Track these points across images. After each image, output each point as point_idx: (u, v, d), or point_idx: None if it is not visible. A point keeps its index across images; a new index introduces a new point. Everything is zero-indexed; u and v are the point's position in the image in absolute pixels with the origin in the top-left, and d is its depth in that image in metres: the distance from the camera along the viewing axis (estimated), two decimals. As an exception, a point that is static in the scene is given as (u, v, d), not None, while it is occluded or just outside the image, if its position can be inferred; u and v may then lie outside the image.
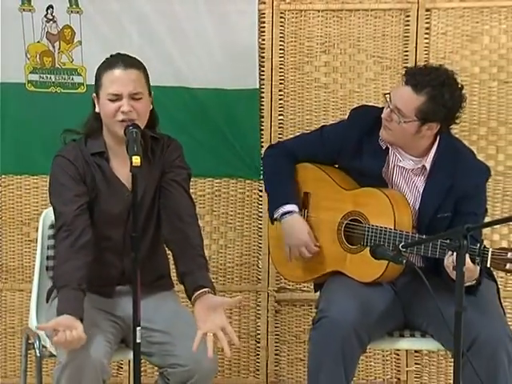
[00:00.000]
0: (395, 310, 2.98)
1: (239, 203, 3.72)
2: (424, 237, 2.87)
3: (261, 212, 3.69)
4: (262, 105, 3.65)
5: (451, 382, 2.47)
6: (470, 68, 3.60)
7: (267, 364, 3.76)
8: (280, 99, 3.66)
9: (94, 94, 2.83)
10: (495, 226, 3.56)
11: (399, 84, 2.95)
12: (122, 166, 2.81)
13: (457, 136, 3.19)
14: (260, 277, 3.74)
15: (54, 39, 3.59)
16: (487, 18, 3.59)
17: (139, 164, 2.52)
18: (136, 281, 2.54)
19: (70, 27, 3.58)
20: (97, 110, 2.82)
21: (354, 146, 3.03)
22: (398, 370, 3.78)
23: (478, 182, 2.97)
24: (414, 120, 2.89)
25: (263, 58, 3.62)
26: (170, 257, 2.88)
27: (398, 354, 3.75)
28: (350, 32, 3.62)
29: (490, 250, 2.69)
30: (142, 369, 2.73)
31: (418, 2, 3.57)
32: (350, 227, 3.01)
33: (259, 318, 3.76)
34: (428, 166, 2.97)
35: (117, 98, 2.74)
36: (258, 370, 3.78)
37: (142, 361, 2.66)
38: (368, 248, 2.84)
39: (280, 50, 3.63)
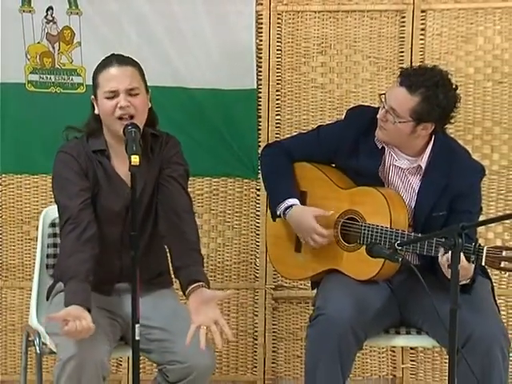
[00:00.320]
0: (391, 307, 2.99)
1: (237, 202, 3.72)
2: (419, 235, 2.87)
3: (258, 211, 3.69)
4: (260, 105, 3.65)
5: (446, 378, 2.47)
6: (464, 68, 3.61)
7: (265, 361, 3.76)
8: (277, 99, 3.66)
9: (93, 96, 2.84)
10: (490, 225, 3.57)
11: (394, 85, 2.95)
12: (123, 164, 2.81)
13: (452, 136, 3.19)
14: (257, 275, 3.74)
15: (54, 40, 3.59)
16: (482, 19, 3.59)
17: (138, 163, 2.52)
18: (135, 279, 2.54)
19: (69, 28, 3.58)
20: (96, 111, 2.83)
21: (351, 145, 3.03)
22: (394, 367, 3.78)
23: (472, 181, 2.97)
24: (408, 120, 2.89)
25: (260, 58, 3.62)
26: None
27: (393, 351, 3.76)
28: (346, 33, 3.62)
29: (485, 248, 2.69)
30: (141, 366, 2.73)
31: (414, 4, 3.58)
32: (347, 226, 3.01)
33: (257, 316, 3.76)
34: (423, 166, 2.97)
35: (114, 94, 2.75)
36: (255, 367, 3.78)
37: (141, 358, 2.66)
38: (364, 246, 2.83)
39: (277, 50, 3.63)
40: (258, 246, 3.72)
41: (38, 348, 2.88)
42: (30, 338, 2.97)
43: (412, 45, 3.59)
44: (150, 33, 3.57)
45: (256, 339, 3.76)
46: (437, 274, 2.80)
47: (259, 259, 3.72)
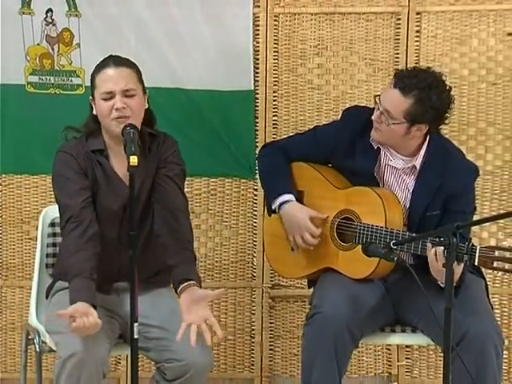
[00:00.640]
0: (386, 305, 2.99)
1: (234, 202, 3.72)
2: (414, 235, 2.87)
3: (255, 210, 3.69)
4: (257, 106, 3.65)
5: (441, 375, 2.48)
6: (459, 70, 3.61)
7: (262, 359, 3.76)
8: (274, 100, 3.66)
9: (91, 97, 2.84)
10: (484, 224, 3.57)
11: (388, 87, 2.95)
12: (121, 164, 2.81)
13: (446, 136, 3.20)
14: (255, 274, 3.74)
15: (54, 42, 3.59)
16: (476, 21, 3.60)
17: (136, 164, 2.53)
18: (133, 278, 2.54)
19: (68, 30, 3.57)
20: (94, 112, 2.83)
21: (347, 145, 3.03)
22: (390, 365, 3.78)
23: (467, 181, 2.97)
24: (402, 122, 2.89)
25: (258, 60, 3.62)
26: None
27: (389, 349, 3.76)
28: (342, 35, 3.62)
29: (478, 248, 2.69)
30: (140, 364, 2.72)
31: (409, 6, 3.58)
32: (343, 225, 3.01)
33: (254, 314, 3.76)
34: (418, 166, 2.97)
35: (110, 96, 2.75)
36: (252, 365, 3.78)
37: (140, 356, 2.66)
38: (360, 245, 2.84)
39: (274, 52, 3.63)
40: (255, 245, 3.72)
41: (37, 346, 2.88)
42: (29, 337, 2.96)
43: (407, 46, 3.59)
44: (149, 35, 3.57)
45: (253, 337, 3.76)
46: (431, 273, 2.80)
47: (256, 258, 3.72)
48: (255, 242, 3.71)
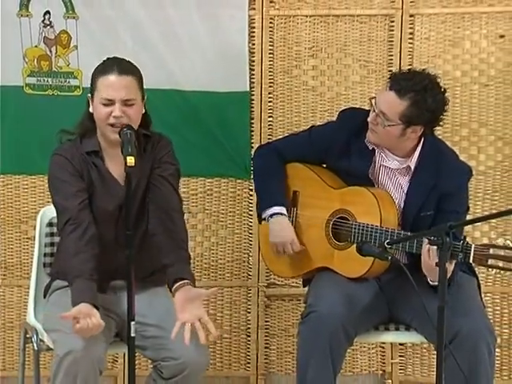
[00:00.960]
0: (380, 304, 2.98)
1: (230, 202, 3.72)
2: (409, 234, 2.87)
3: (251, 210, 3.69)
4: (252, 107, 3.64)
5: (434, 373, 2.47)
6: (452, 72, 3.61)
7: (257, 357, 3.76)
8: (269, 101, 3.66)
9: (89, 95, 2.82)
10: (476, 224, 3.57)
11: (384, 89, 2.95)
12: (116, 164, 2.81)
13: (440, 137, 3.20)
14: (250, 273, 3.73)
15: (51, 44, 3.58)
16: (468, 23, 3.60)
17: (133, 164, 2.53)
18: (130, 278, 2.54)
19: (66, 32, 3.57)
20: (90, 109, 2.82)
21: (342, 146, 3.03)
22: (383, 363, 3.78)
23: (460, 181, 2.97)
24: (398, 124, 2.89)
25: (253, 61, 3.62)
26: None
27: (383, 347, 3.75)
28: (336, 37, 3.62)
29: (473, 246, 2.69)
30: (136, 362, 2.71)
31: (402, 8, 3.58)
32: (338, 225, 3.00)
33: (249, 313, 3.75)
34: (412, 166, 2.97)
35: (109, 102, 2.74)
36: (248, 363, 3.78)
37: (137, 354, 2.66)
38: (355, 245, 2.84)
39: (269, 54, 3.63)
40: (250, 244, 3.71)
41: (35, 345, 2.87)
42: (27, 335, 2.96)
43: (401, 48, 3.59)
44: (146, 37, 3.57)
45: (249, 336, 3.76)
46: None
47: (252, 258, 3.71)
48: (251, 241, 3.71)
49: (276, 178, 3.11)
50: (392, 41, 3.60)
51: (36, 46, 3.57)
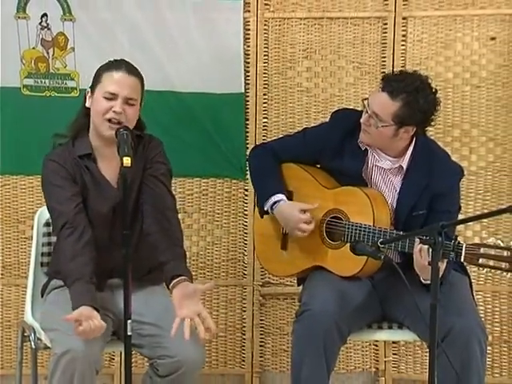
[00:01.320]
0: (373, 303, 2.98)
1: (226, 202, 3.72)
2: (401, 233, 2.87)
3: (246, 210, 3.69)
4: (247, 108, 3.64)
5: (427, 371, 2.47)
6: (444, 73, 3.61)
7: (252, 355, 3.75)
8: (264, 103, 3.66)
9: (89, 89, 2.82)
10: (468, 223, 3.57)
11: (376, 90, 2.95)
12: (109, 167, 2.82)
13: (432, 138, 3.20)
14: (246, 272, 3.73)
15: (49, 46, 3.57)
16: (460, 25, 3.60)
17: (130, 165, 2.52)
18: (127, 276, 2.53)
19: (63, 34, 3.56)
20: (87, 104, 2.81)
21: (336, 146, 3.03)
22: (377, 360, 3.78)
23: (452, 181, 2.97)
24: (390, 124, 2.89)
25: (248, 63, 3.62)
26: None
27: (376, 345, 3.75)
28: (330, 39, 3.62)
29: (464, 245, 2.69)
30: (133, 360, 2.71)
31: (395, 11, 3.58)
32: (332, 224, 3.00)
33: (245, 311, 3.75)
34: (405, 166, 2.97)
35: (112, 97, 2.74)
36: (243, 361, 3.77)
37: (133, 352, 2.65)
38: (348, 244, 2.84)
39: (264, 56, 3.63)
40: (245, 244, 3.71)
41: (33, 343, 2.86)
42: (25, 334, 2.95)
43: (394, 50, 3.60)
44: (142, 39, 3.56)
45: (244, 334, 3.76)
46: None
47: (247, 257, 3.71)
48: (246, 241, 3.71)
49: (272, 173, 3.10)
50: (385, 43, 3.60)
51: (33, 48, 3.57)
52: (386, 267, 2.85)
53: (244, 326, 3.75)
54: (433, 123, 2.96)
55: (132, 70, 2.80)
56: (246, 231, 3.70)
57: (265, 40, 3.62)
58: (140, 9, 3.55)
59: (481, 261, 2.60)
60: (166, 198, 2.84)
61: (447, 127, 3.63)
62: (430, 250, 2.44)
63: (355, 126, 2.99)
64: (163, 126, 3.43)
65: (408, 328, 2.96)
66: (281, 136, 3.39)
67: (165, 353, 2.69)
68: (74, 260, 2.69)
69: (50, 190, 2.82)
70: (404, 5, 3.58)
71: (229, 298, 3.75)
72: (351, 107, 3.42)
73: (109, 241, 2.82)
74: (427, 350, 2.52)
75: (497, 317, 3.72)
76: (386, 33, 3.60)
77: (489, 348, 3.28)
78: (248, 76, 3.62)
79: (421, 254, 2.71)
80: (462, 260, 2.68)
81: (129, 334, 2.55)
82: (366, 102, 2.94)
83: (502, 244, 2.58)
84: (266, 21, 3.61)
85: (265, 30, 3.62)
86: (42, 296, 2.95)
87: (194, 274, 3.66)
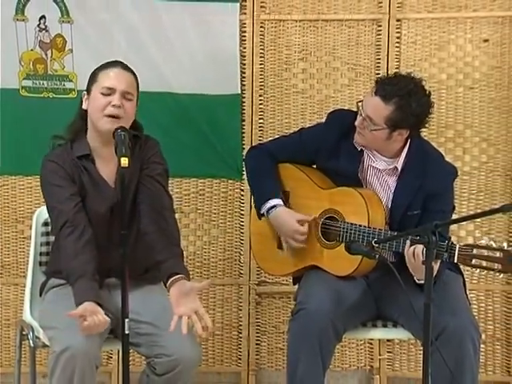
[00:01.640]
0: (368, 301, 2.98)
1: (222, 202, 3.71)
2: (395, 233, 2.87)
3: (242, 210, 3.69)
4: (244, 109, 3.64)
5: (421, 368, 2.47)
6: (437, 75, 3.62)
7: (249, 353, 3.75)
8: (260, 104, 3.65)
9: (85, 92, 2.82)
10: (462, 223, 3.57)
11: (370, 94, 2.94)
12: (106, 167, 2.81)
13: (426, 138, 3.20)
14: (242, 271, 3.73)
15: (47, 47, 3.57)
16: (453, 28, 3.60)
17: (127, 165, 2.52)
18: (124, 276, 2.53)
19: (61, 36, 3.56)
20: (84, 106, 2.81)
21: (332, 147, 3.03)
22: (371, 358, 3.78)
23: (446, 181, 2.97)
24: (384, 128, 2.88)
25: (244, 65, 3.62)
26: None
27: (371, 343, 3.76)
28: (325, 41, 3.62)
29: (457, 246, 2.69)
30: (131, 358, 2.70)
31: (390, 13, 3.58)
32: (327, 224, 3.00)
33: (241, 310, 3.75)
34: (399, 167, 2.97)
35: (110, 92, 2.74)
36: (239, 359, 3.77)
37: (131, 351, 2.65)
38: (343, 244, 2.83)
39: (260, 57, 3.63)
40: (242, 243, 3.71)
41: (31, 341, 2.86)
42: (23, 332, 2.94)
43: (388, 52, 3.60)
44: (139, 41, 3.56)
45: (240, 332, 3.76)
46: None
47: (243, 256, 3.71)
48: (242, 240, 3.71)
49: (269, 175, 3.10)
50: (379, 45, 3.60)
51: (32, 50, 3.56)
52: (381, 267, 2.85)
53: (240, 325, 3.75)
54: (427, 125, 2.96)
55: (127, 67, 2.82)
56: (242, 231, 3.70)
57: (261, 42, 3.62)
58: (137, 11, 3.55)
59: (474, 261, 2.60)
60: (163, 197, 2.84)
61: (441, 128, 3.63)
62: (424, 250, 2.44)
63: (351, 126, 2.99)
64: (160, 127, 3.42)
65: (402, 326, 2.96)
66: (277, 137, 3.39)
67: (162, 351, 2.69)
68: (77, 258, 2.69)
69: (50, 189, 2.81)
70: (398, 7, 3.58)
71: (225, 296, 3.75)
72: (347, 108, 3.42)
73: (106, 241, 2.81)
74: (421, 348, 2.52)
75: (490, 315, 3.72)
76: (380, 35, 3.60)
77: (482, 346, 3.28)
78: (244, 77, 3.62)
79: (414, 256, 2.72)
80: (455, 261, 2.68)
81: (126, 332, 2.54)
82: (360, 104, 2.93)
83: (494, 245, 2.58)
84: (261, 23, 3.61)
85: (261, 31, 3.61)
86: (41, 295, 2.94)
87: (190, 273, 3.65)
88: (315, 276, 2.98)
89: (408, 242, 2.74)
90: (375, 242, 2.70)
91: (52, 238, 3.01)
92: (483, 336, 3.37)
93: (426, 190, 2.93)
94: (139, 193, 2.83)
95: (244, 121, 3.65)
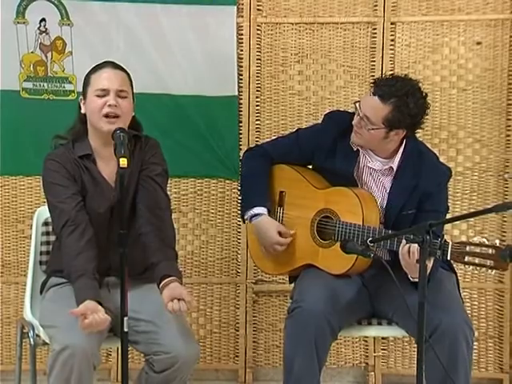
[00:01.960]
0: (363, 299, 2.98)
1: (219, 202, 3.71)
2: (390, 232, 2.87)
3: (240, 210, 3.68)
4: (241, 110, 3.64)
5: (415, 365, 2.48)
6: (431, 77, 3.62)
7: (246, 350, 3.75)
8: (257, 105, 3.66)
9: (81, 97, 2.82)
10: (455, 222, 3.58)
11: (368, 94, 2.95)
12: (107, 167, 2.81)
13: (420, 139, 3.20)
14: (239, 270, 3.73)
15: (47, 50, 3.57)
16: (447, 30, 3.61)
17: (126, 165, 2.52)
18: (123, 275, 2.53)
19: (61, 39, 3.56)
20: (82, 110, 2.82)
21: (328, 147, 3.03)
22: (367, 356, 3.78)
23: (440, 181, 2.98)
24: (381, 127, 2.89)
25: (241, 67, 3.62)
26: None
27: (366, 341, 3.76)
28: (321, 43, 3.62)
29: (450, 243, 2.69)
30: (129, 356, 2.70)
31: (384, 16, 3.59)
32: (322, 223, 3.00)
33: (238, 308, 3.75)
34: (395, 167, 2.97)
35: (104, 93, 2.74)
36: (237, 356, 3.77)
37: (129, 348, 2.65)
38: (339, 243, 2.83)
39: (257, 59, 3.63)
40: (239, 243, 3.71)
41: (31, 339, 2.85)
42: (24, 331, 2.94)
43: (383, 54, 3.60)
44: (138, 43, 3.56)
45: (238, 330, 3.76)
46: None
47: (240, 255, 3.71)
48: (239, 239, 3.71)
49: (260, 180, 3.09)
50: (374, 47, 3.61)
51: (32, 52, 3.56)
52: (376, 265, 2.86)
53: (237, 323, 3.75)
54: (422, 126, 2.97)
55: (117, 66, 2.82)
56: (239, 230, 3.70)
57: (257, 44, 3.62)
58: (136, 14, 3.55)
59: (467, 259, 2.59)
60: (160, 198, 2.83)
61: (435, 129, 3.64)
62: (411, 245, 2.44)
63: (347, 127, 2.99)
64: (158, 128, 3.42)
65: (397, 324, 2.96)
66: (274, 138, 3.39)
67: (160, 349, 2.69)
68: (78, 257, 2.68)
69: (51, 188, 2.81)
70: (393, 10, 3.59)
71: (223, 295, 3.75)
72: (342, 109, 3.42)
73: (106, 240, 2.81)
74: (415, 345, 2.52)
75: (483, 313, 3.73)
76: (375, 37, 3.60)
77: (475, 343, 3.28)
78: (241, 79, 3.62)
79: (409, 255, 2.72)
80: (449, 258, 2.68)
81: (125, 330, 2.54)
82: (357, 104, 2.94)
83: (486, 242, 2.58)
84: (258, 26, 3.61)
85: (257, 34, 3.62)
86: (41, 293, 2.94)
87: (188, 271, 3.69)
88: (311, 275, 2.98)
89: (403, 241, 2.74)
90: (370, 241, 2.70)
91: (52, 238, 3.01)
92: (476, 333, 3.37)
93: (421, 190, 2.93)
94: (138, 193, 2.83)
95: (241, 122, 3.65)
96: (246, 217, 3.07)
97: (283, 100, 3.66)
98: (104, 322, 2.58)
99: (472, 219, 3.63)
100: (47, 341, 2.78)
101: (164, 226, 2.78)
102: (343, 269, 2.93)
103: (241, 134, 3.65)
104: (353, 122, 2.94)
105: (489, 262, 2.55)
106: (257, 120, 3.66)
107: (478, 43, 3.61)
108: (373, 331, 3.07)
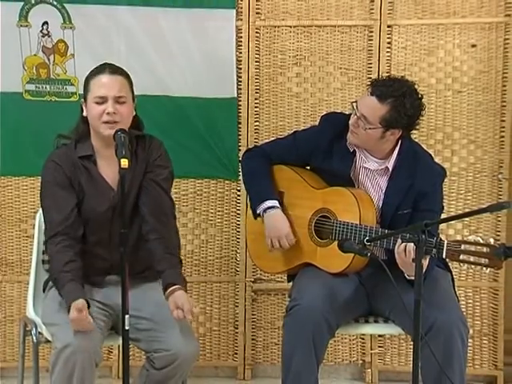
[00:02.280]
0: (360, 298, 2.99)
1: (219, 202, 3.72)
2: (386, 231, 2.87)
3: (239, 210, 3.69)
4: (240, 112, 3.65)
5: (411, 362, 2.48)
6: (427, 79, 3.62)
7: (245, 348, 3.75)
8: (256, 107, 3.66)
9: (83, 100, 2.82)
10: (450, 222, 3.58)
11: (365, 94, 2.95)
12: (108, 168, 2.81)
13: (416, 140, 3.20)
14: (238, 269, 3.73)
15: (49, 52, 3.57)
16: (442, 33, 3.61)
17: (127, 166, 2.52)
18: (124, 274, 2.53)
19: (63, 41, 3.56)
20: (84, 113, 2.82)
21: (325, 148, 3.03)
22: (363, 353, 3.79)
23: (435, 181, 2.98)
24: (378, 127, 2.89)
25: (240, 69, 3.62)
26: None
27: (363, 338, 3.76)
28: (319, 46, 3.63)
29: (445, 242, 2.70)
30: (130, 353, 2.71)
31: (381, 19, 3.59)
32: (320, 223, 3.01)
33: (237, 307, 3.75)
34: (390, 168, 2.98)
35: (102, 100, 2.74)
36: (236, 354, 3.77)
37: (130, 346, 2.65)
38: (336, 242, 2.84)
39: (256, 62, 3.63)
40: (238, 242, 3.71)
41: (34, 337, 2.86)
42: (27, 328, 2.94)
43: (379, 57, 3.60)
44: (138, 46, 3.56)
45: (237, 328, 3.76)
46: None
47: (240, 254, 3.71)
48: (238, 239, 3.71)
49: (264, 177, 3.10)
50: (371, 50, 3.61)
51: (35, 55, 3.56)
52: (373, 264, 2.86)
53: (236, 321, 3.75)
54: (418, 127, 2.97)
55: (115, 70, 2.80)
56: (238, 230, 3.70)
57: (256, 47, 3.62)
58: (136, 17, 3.55)
59: (462, 257, 2.59)
60: (165, 203, 2.83)
61: (430, 130, 3.64)
62: (414, 248, 2.45)
63: (344, 128, 2.99)
64: (158, 129, 3.41)
65: (393, 322, 2.96)
66: (273, 139, 3.39)
67: (161, 346, 2.69)
68: (65, 267, 2.69)
69: (47, 191, 2.82)
70: (389, 13, 3.59)
71: (222, 293, 3.75)
72: (339, 111, 3.42)
73: (108, 239, 2.81)
74: (411, 342, 2.52)
75: (477, 311, 3.73)
76: (371, 40, 3.60)
77: (470, 341, 3.28)
78: (240, 81, 3.62)
79: (405, 253, 2.72)
80: (444, 256, 2.68)
81: (126, 328, 2.54)
82: (354, 104, 2.94)
83: (481, 241, 2.59)
84: (257, 29, 3.61)
85: (256, 37, 3.62)
86: (44, 292, 2.94)
87: (188, 270, 3.69)
88: (309, 273, 2.99)
89: (399, 240, 2.74)
90: (367, 241, 2.70)
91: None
92: (471, 331, 3.38)
93: (416, 190, 2.93)
94: (142, 196, 2.83)
95: (240, 123, 3.65)
96: (258, 211, 3.05)
97: (281, 102, 3.66)
98: (88, 326, 2.59)
99: (467, 219, 3.63)
100: (49, 338, 2.78)
101: (168, 233, 2.79)
102: (341, 267, 2.93)
103: (240, 135, 3.66)
104: (350, 122, 2.94)
105: (483, 261, 2.55)
106: (256, 121, 3.66)
107: (473, 46, 3.61)
108: (369, 329, 3.07)
